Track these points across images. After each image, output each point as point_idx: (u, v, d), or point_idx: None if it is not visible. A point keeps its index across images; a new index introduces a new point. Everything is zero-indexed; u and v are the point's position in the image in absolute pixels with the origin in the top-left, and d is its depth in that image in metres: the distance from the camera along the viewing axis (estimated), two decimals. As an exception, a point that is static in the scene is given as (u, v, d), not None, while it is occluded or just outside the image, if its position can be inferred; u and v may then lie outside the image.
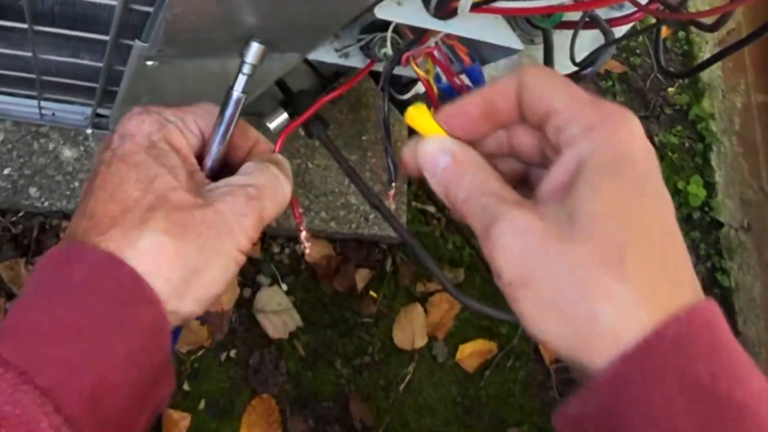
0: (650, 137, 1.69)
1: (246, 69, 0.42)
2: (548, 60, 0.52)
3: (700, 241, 1.64)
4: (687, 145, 1.73)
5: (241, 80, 0.42)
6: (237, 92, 0.41)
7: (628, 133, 0.31)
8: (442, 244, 1.38)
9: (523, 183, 0.39)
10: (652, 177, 0.32)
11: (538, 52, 0.54)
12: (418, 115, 0.36)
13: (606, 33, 0.47)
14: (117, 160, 0.38)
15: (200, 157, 0.42)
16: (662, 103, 1.75)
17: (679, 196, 1.67)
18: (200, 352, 1.14)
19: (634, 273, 0.29)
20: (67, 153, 1.07)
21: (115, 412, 0.33)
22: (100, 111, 0.83)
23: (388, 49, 0.48)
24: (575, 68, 0.47)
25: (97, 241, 0.35)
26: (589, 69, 0.46)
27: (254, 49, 0.42)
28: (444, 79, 0.46)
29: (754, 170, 1.61)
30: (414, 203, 1.38)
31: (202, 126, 0.42)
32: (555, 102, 0.33)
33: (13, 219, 1.08)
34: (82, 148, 1.08)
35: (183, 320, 0.38)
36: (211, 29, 0.47)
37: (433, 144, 0.36)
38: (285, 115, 0.77)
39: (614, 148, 0.31)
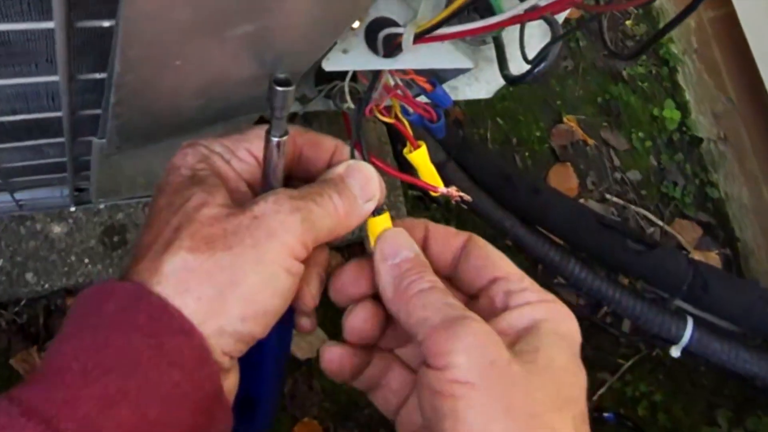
0: (619, 73, 1.70)
1: (277, 113, 0.37)
2: (501, 59, 0.52)
3: (685, 161, 1.65)
4: (654, 72, 1.73)
5: (276, 125, 0.37)
6: (275, 138, 0.38)
7: (570, 320, 0.38)
8: (444, 226, 1.38)
9: None
10: (578, 361, 0.37)
11: (491, 51, 0.54)
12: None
13: (552, 24, 0.47)
14: (159, 193, 0.37)
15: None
16: (622, 38, 1.75)
17: (656, 122, 1.68)
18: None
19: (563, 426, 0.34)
20: (57, 229, 1.06)
21: None
22: (79, 185, 0.82)
23: (350, 104, 0.47)
24: (529, 66, 0.47)
25: (129, 274, 0.34)
26: (542, 65, 0.46)
27: (280, 94, 0.37)
28: (411, 110, 0.46)
29: (719, 83, 1.62)
30: (410, 192, 1.37)
31: (255, 151, 0.40)
32: (507, 269, 0.39)
33: (16, 309, 1.06)
34: (70, 221, 1.06)
35: (243, 343, 0.35)
36: (168, 121, 0.46)
37: (404, 235, 0.40)
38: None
39: (563, 326, 0.37)
